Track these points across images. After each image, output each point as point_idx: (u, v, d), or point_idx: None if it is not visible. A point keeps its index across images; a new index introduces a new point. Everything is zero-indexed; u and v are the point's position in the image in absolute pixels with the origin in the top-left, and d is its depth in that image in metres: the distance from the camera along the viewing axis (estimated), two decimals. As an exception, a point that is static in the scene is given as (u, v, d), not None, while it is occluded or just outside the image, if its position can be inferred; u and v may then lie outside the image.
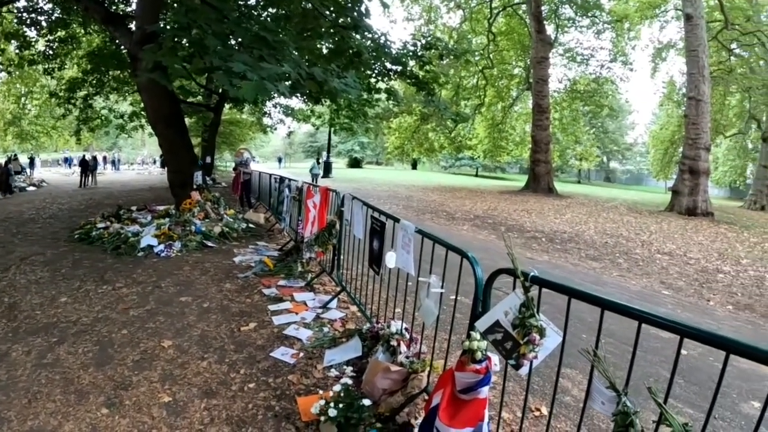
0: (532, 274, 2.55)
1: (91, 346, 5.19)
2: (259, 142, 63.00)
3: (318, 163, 37.48)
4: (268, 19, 11.38)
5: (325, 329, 5.51)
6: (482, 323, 2.75)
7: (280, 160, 67.96)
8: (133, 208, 13.47)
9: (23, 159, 36.69)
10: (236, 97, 7.63)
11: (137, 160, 66.00)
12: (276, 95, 8.35)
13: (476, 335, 2.75)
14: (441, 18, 35.86)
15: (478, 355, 2.68)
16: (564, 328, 2.47)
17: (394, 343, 4.26)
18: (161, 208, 12.63)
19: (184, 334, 5.38)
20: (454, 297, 3.72)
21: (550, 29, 31.00)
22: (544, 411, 4.12)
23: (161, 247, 9.37)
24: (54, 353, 5.07)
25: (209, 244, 9.94)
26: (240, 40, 7.59)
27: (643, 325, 2.08)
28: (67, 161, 52.29)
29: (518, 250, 11.18)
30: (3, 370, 4.79)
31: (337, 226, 6.57)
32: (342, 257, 6.80)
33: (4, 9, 17.94)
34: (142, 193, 21.95)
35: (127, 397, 4.17)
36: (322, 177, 35.76)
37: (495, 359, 2.85)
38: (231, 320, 5.78)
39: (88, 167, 28.49)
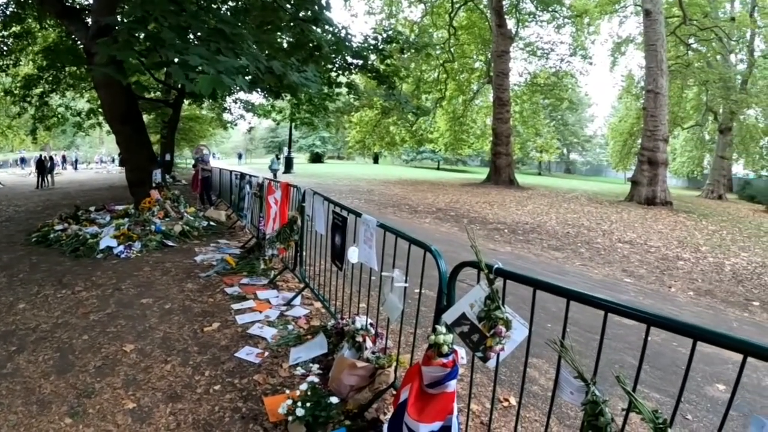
0: (496, 266, 2.55)
1: (52, 353, 5.06)
2: (219, 138, 62.41)
3: (277, 158, 37.80)
4: (227, 12, 11.24)
5: (290, 327, 5.46)
6: (448, 316, 2.75)
7: (240, 156, 67.46)
8: (92, 208, 13.21)
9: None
10: (192, 91, 7.52)
11: (95, 159, 64.75)
12: (234, 90, 8.27)
13: (442, 329, 2.74)
14: (402, 12, 35.90)
15: (445, 348, 2.67)
16: (530, 320, 2.48)
17: (359, 339, 4.23)
18: (120, 207, 12.40)
19: (146, 337, 5.29)
20: (418, 291, 3.71)
21: (511, 23, 31.27)
22: (513, 401, 4.15)
23: (121, 248, 9.20)
24: (13, 362, 4.93)
25: (170, 243, 9.80)
26: (198, 33, 7.46)
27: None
28: (23, 161, 51.26)
29: (481, 241, 11.27)
30: (-39, 384, 4.66)
31: (299, 222, 6.53)
32: (304, 253, 6.75)
33: None
34: (101, 192, 21.53)
35: (91, 405, 4.08)
36: (284, 173, 35.66)
37: (461, 352, 2.85)
38: (194, 321, 5.69)
39: (45, 168, 27.97)
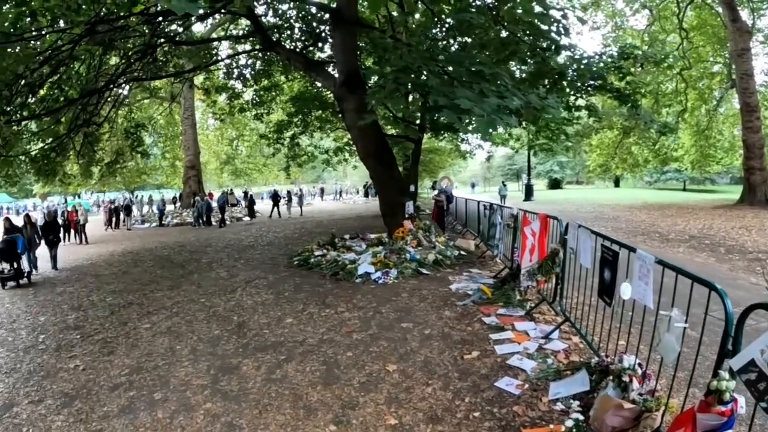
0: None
1: (318, 365, 5.61)
2: (457, 168, 63.58)
3: (504, 185, 37.96)
4: (460, 49, 11.53)
5: (549, 360, 5.39)
6: (736, 362, 2.60)
7: (473, 185, 68.09)
8: (346, 236, 14.28)
9: (238, 193, 40.65)
10: (464, 132, 7.82)
11: (339, 190, 69.57)
12: (502, 128, 8.40)
13: (725, 374, 2.60)
14: (627, 21, 33.72)
15: (726, 396, 2.54)
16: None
17: (626, 378, 4.08)
18: (373, 236, 13.24)
19: (408, 359, 5.58)
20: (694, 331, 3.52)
21: (744, 14, 27.14)
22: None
23: (378, 274, 9.81)
24: (282, 370, 5.58)
25: (424, 271, 10.14)
26: (457, 76, 7.67)
27: None
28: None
29: (740, 274, 10.17)
30: (235, 382, 5.39)
31: (561, 254, 6.39)
32: (565, 286, 6.65)
33: (213, 67, 20.53)
34: (350, 222, 23.26)
35: (354, 416, 4.45)
36: (524, 200, 35.38)
37: (741, 401, 2.67)
38: (453, 347, 5.87)
39: (278, 199, 31.79)
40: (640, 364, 4.23)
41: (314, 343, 6.38)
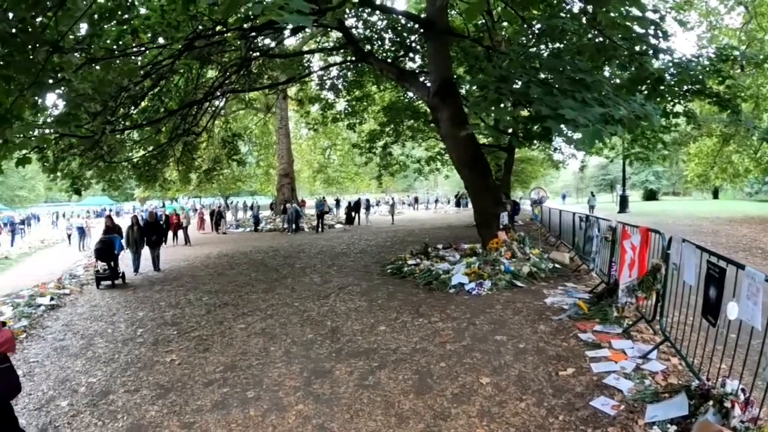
0: None
1: (411, 374, 5.55)
2: (549, 178, 62.36)
3: (593, 195, 37.52)
4: (552, 57, 11.28)
5: (647, 382, 5.11)
6: None
7: (563, 196, 66.40)
8: (439, 246, 14.15)
9: (330, 200, 41.44)
10: (570, 143, 7.65)
11: (435, 199, 69.41)
12: (608, 139, 8.15)
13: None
14: (722, 20, 31.70)
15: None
16: None
17: (727, 404, 3.82)
18: (467, 246, 13.08)
19: (502, 372, 5.46)
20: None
21: None
22: None
23: (472, 285, 9.64)
24: (375, 376, 5.56)
25: (518, 283, 9.90)
26: (557, 85, 7.47)
27: None
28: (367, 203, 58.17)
29: None
30: (327, 385, 5.41)
31: (663, 270, 6.07)
32: (666, 304, 6.31)
33: (306, 78, 20.99)
34: (441, 231, 23.12)
35: (446, 427, 4.37)
36: (618, 212, 34.11)
37: None
38: (548, 363, 5.69)
39: (358, 209, 32.35)
40: (743, 390, 3.95)
41: (407, 351, 6.35)
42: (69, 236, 28.14)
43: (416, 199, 60.67)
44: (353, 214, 32.52)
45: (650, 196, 64.40)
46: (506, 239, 11.69)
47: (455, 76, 14.76)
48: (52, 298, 11.40)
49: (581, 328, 6.92)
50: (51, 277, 14.63)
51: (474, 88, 15.56)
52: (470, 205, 16.43)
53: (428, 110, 17.51)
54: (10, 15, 5.32)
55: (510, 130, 12.26)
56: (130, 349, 7.31)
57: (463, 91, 16.19)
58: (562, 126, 6.53)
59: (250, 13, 3.38)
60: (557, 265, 11.51)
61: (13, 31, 5.46)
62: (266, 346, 6.97)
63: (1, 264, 22.20)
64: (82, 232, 25.90)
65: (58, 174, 14.08)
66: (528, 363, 5.71)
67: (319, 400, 5.05)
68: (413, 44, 17.33)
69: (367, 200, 36.24)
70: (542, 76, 7.82)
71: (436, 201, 63.76)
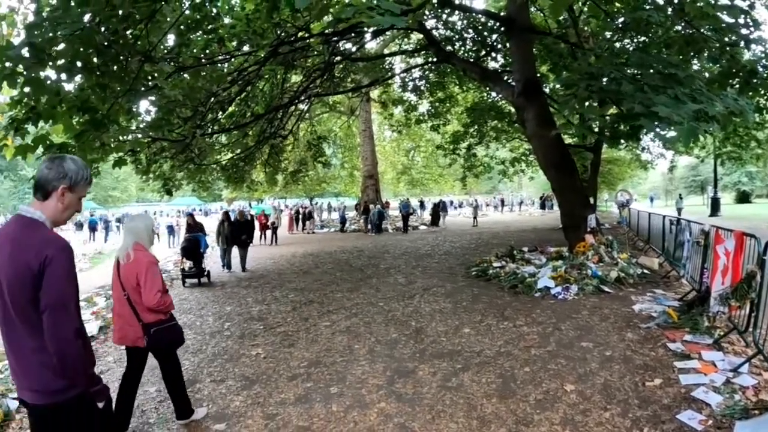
0: None
1: (494, 378, 5.49)
2: (636, 179, 60.25)
3: (680, 198, 36.26)
4: (637, 50, 10.84)
5: (736, 396, 4.83)
6: None
7: (651, 199, 63.76)
8: (524, 248, 13.95)
9: (414, 202, 41.58)
10: (664, 142, 7.38)
11: (519, 201, 68.23)
12: (702, 137, 7.84)
13: None
14: None
15: None
16: None
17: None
18: (553, 249, 12.84)
19: (587, 380, 5.31)
20: None
21: None
22: None
23: (558, 289, 9.42)
24: (458, 378, 5.52)
25: (605, 289, 9.56)
26: (647, 81, 7.21)
27: None
28: (452, 204, 57.63)
29: None
30: (410, 385, 5.41)
31: (758, 277, 5.73)
32: (760, 315, 5.95)
33: (389, 81, 21.23)
34: (526, 234, 22.79)
35: (528, 433, 4.30)
36: (710, 215, 32.50)
37: None
38: (635, 372, 5.49)
39: (438, 211, 32.08)
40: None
41: (491, 354, 6.29)
42: (156, 234, 29.58)
43: (502, 201, 59.28)
44: (438, 215, 32.43)
45: (743, 198, 60.16)
46: (594, 242, 11.36)
47: (538, 75, 14.46)
48: (144, 290, 11.96)
49: (670, 338, 6.61)
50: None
51: (559, 86, 15.27)
52: (556, 208, 16.01)
53: (513, 110, 17.32)
54: (103, 28, 5.63)
55: (597, 130, 11.98)
56: (217, 341, 7.59)
57: (546, 90, 15.91)
58: (656, 124, 6.31)
59: (343, 15, 3.40)
60: (645, 271, 11.01)
61: (107, 42, 5.79)
62: (350, 344, 7.06)
63: (96, 259, 24.04)
64: (171, 230, 27.39)
65: (151, 175, 14.77)
66: (614, 372, 5.53)
67: (402, 399, 5.08)
68: (495, 43, 17.18)
69: (476, 200, 36.08)
70: (631, 71, 7.58)
71: (521, 203, 62.89)
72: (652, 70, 7.24)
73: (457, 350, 6.52)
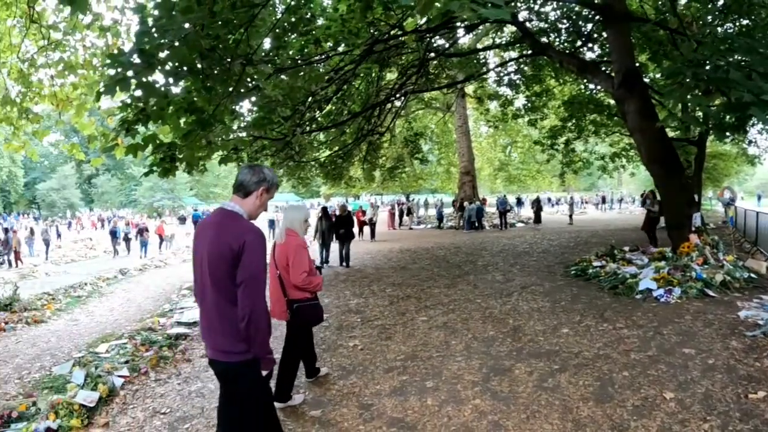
0: None
1: (592, 380, 5.39)
2: (743, 175, 56.70)
3: None
4: (736, 35, 10.18)
5: None
6: None
7: (759, 197, 59.50)
8: (625, 248, 13.45)
9: (511, 198, 41.01)
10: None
11: (619, 198, 65.81)
12: None
13: None
14: None
15: None
16: None
17: None
18: (655, 249, 12.28)
19: (687, 389, 5.11)
20: None
21: None
22: None
23: (660, 291, 8.99)
24: (555, 379, 5.47)
25: (710, 293, 9.01)
26: (751, 65, 6.83)
27: None
28: (549, 202, 56.31)
29: None
30: (506, 383, 5.41)
31: None
32: None
33: (484, 76, 20.92)
34: (626, 233, 22.02)
35: (623, 440, 4.21)
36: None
37: None
38: (738, 383, 5.20)
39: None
40: None
41: (589, 356, 6.17)
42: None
43: (603, 199, 56.67)
44: (540, 212, 31.71)
45: None
46: (698, 243, 10.82)
47: (637, 64, 13.85)
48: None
49: (777, 348, 6.22)
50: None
51: (660, 76, 14.63)
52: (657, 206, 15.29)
53: (612, 103, 16.77)
54: (206, 34, 5.93)
55: (703, 120, 11.41)
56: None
57: (646, 80, 15.30)
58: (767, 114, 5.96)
59: (450, 8, 3.47)
60: (753, 275, 10.30)
61: (211, 47, 6.11)
62: (447, 340, 7.12)
63: None
64: (272, 224, 28.33)
65: (252, 172, 15.34)
66: (716, 381, 5.27)
67: (497, 397, 5.09)
68: (591, 33, 16.67)
69: (572, 198, 35.29)
70: (736, 58, 7.20)
71: (620, 200, 60.37)
72: (760, 56, 6.83)
73: (555, 350, 6.45)
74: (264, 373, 3.14)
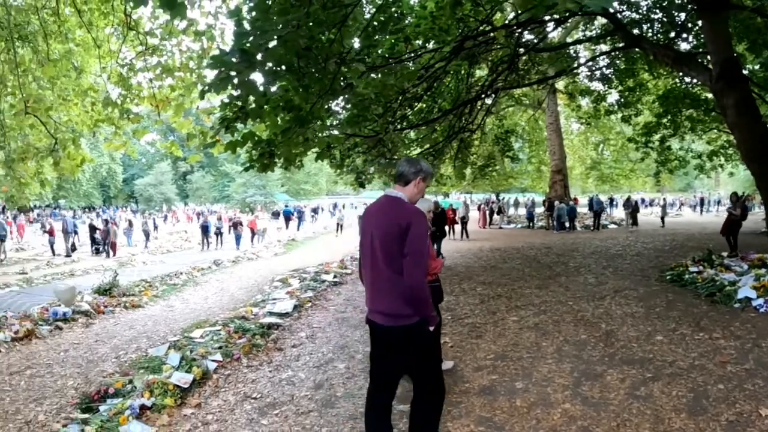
0: None
1: (685, 391, 5.21)
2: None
3: None
4: None
5: None
6: None
7: None
8: (723, 253, 12.92)
9: (603, 198, 39.78)
10: None
11: (717, 200, 62.62)
12: None
13: None
14: None
15: None
16: None
17: None
18: (756, 256, 11.64)
19: (784, 407, 4.87)
20: None
21: None
22: None
23: (760, 301, 8.44)
24: (647, 388, 5.31)
25: None
26: None
27: None
28: (642, 203, 54.18)
29: None
30: (597, 389, 5.31)
31: None
32: None
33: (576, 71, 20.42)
34: (722, 238, 20.93)
35: (717, 456, 4.06)
36: None
37: None
38: (840, 405, 4.93)
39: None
40: None
41: (684, 366, 5.95)
42: (339, 226, 32.64)
43: (701, 201, 53.90)
44: (636, 213, 30.51)
45: None
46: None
47: (735, 55, 13.05)
48: (335, 276, 13.00)
49: None
50: (333, 258, 16.65)
51: (760, 67, 13.83)
52: (759, 209, 14.45)
53: (709, 97, 16.04)
54: (302, 34, 6.10)
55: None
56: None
57: (745, 72, 14.51)
58: None
59: (552, 1, 3.52)
60: None
61: (307, 47, 6.30)
62: (538, 341, 7.07)
63: (289, 245, 26.76)
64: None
65: (344, 169, 15.67)
66: (817, 401, 5.00)
67: (587, 402, 5.02)
68: (685, 23, 15.91)
69: (665, 199, 33.82)
70: None
71: (718, 202, 57.15)
72: None
73: (648, 358, 6.27)
74: (431, 328, 3.59)
